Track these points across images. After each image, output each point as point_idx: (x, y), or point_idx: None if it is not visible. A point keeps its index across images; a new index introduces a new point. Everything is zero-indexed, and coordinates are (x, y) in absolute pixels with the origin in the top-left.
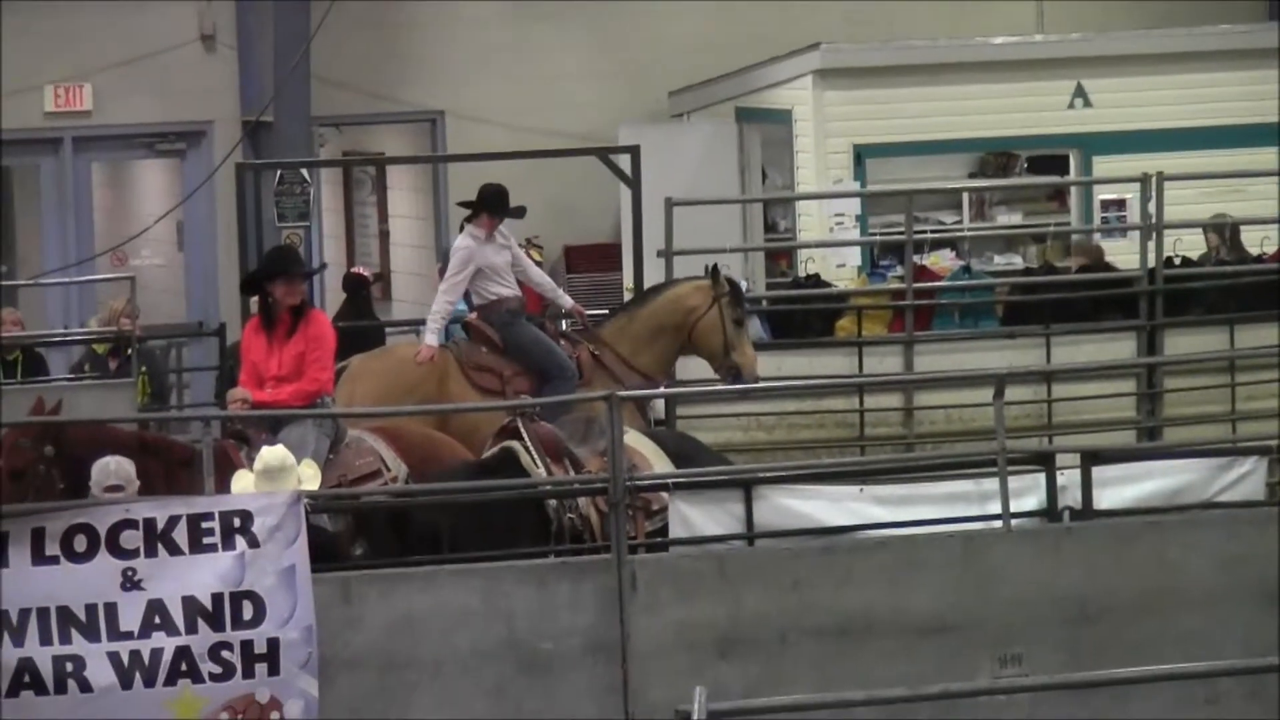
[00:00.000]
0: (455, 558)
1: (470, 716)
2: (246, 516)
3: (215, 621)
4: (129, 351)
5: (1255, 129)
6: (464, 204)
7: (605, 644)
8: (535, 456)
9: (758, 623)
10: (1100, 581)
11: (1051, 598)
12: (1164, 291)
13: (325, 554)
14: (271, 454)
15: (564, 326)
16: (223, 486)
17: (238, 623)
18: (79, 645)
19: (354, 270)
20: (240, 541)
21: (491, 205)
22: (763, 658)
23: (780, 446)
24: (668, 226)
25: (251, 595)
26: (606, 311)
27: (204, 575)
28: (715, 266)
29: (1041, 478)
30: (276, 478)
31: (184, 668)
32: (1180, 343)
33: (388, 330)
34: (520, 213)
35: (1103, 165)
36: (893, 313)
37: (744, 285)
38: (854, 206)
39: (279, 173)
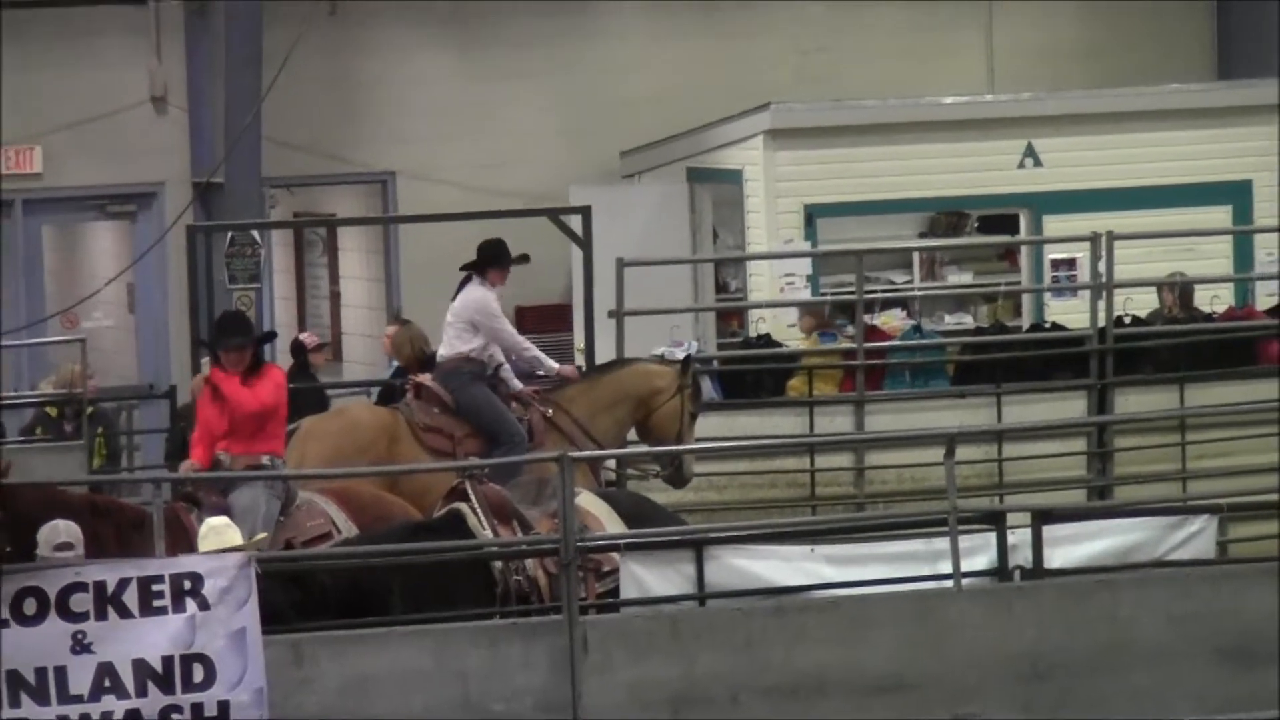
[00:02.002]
0: (407, 619)
1: None
2: (197, 579)
3: (166, 684)
4: (82, 414)
5: (1205, 188)
6: (467, 266)
7: (557, 704)
8: (483, 518)
9: (710, 683)
10: (1052, 639)
11: (1004, 656)
12: (1114, 350)
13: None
14: (209, 526)
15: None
16: (174, 549)
17: (188, 685)
18: (29, 709)
19: (297, 336)
20: (191, 604)
21: (499, 259)
22: (715, 717)
23: (732, 506)
24: (619, 287)
25: (202, 658)
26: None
27: (154, 638)
28: (689, 358)
29: (992, 537)
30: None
31: None
32: (1131, 401)
33: (338, 393)
34: (525, 259)
35: (1053, 224)
36: (844, 372)
37: (695, 346)
38: (805, 266)
39: (230, 234)
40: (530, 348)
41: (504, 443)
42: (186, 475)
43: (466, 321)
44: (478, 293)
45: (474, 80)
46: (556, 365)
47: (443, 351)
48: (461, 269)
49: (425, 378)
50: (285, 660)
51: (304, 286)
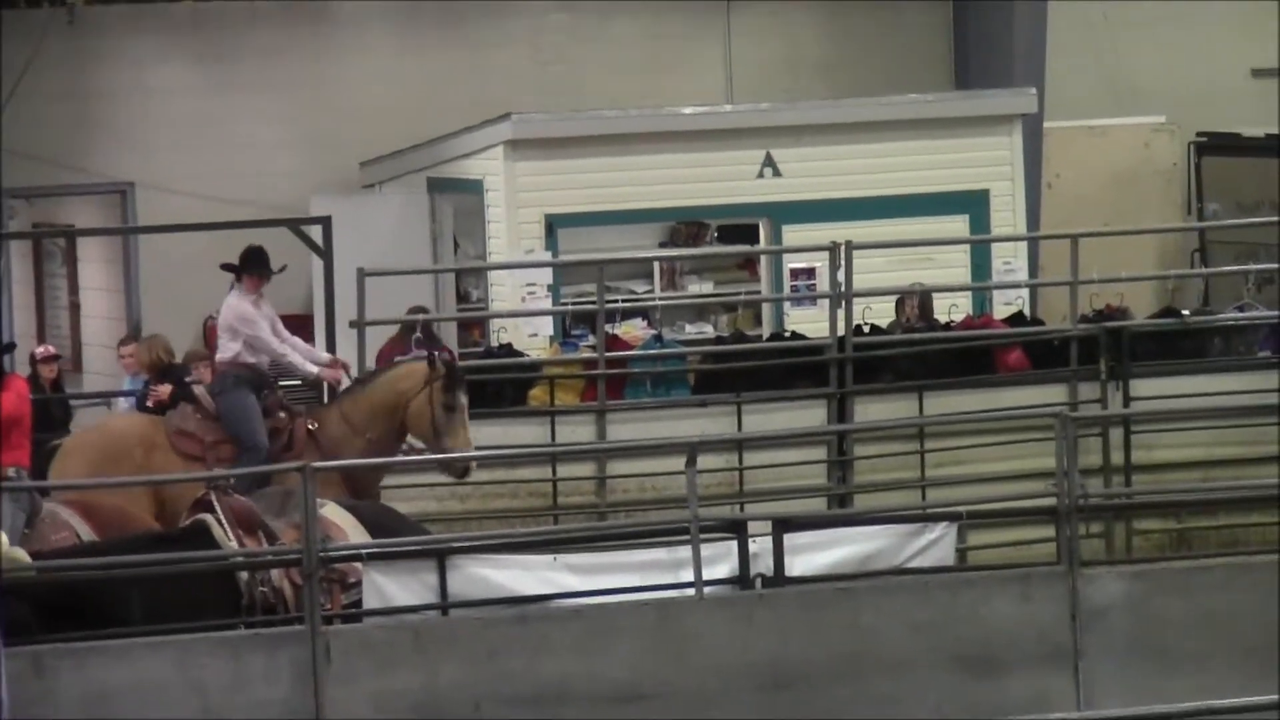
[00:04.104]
0: (148, 630)
1: None
2: None
3: None
4: None
5: (943, 197)
6: (227, 267)
7: (300, 716)
8: (228, 529)
9: (453, 692)
10: (793, 647)
11: (745, 664)
12: (853, 359)
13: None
14: None
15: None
16: None
17: None
18: None
19: (34, 351)
20: None
21: (256, 265)
22: None
23: (474, 516)
24: (360, 297)
25: None
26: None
27: None
28: (434, 354)
29: (734, 545)
30: None
31: None
32: (870, 410)
33: (78, 404)
34: (281, 269)
35: (792, 234)
36: (585, 382)
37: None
38: (546, 276)
39: None
40: (287, 353)
41: (245, 449)
42: None
43: (226, 328)
44: (233, 300)
45: (213, 90)
46: (316, 369)
47: (217, 356)
48: (221, 267)
49: (165, 388)
50: (26, 672)
51: (43, 297)
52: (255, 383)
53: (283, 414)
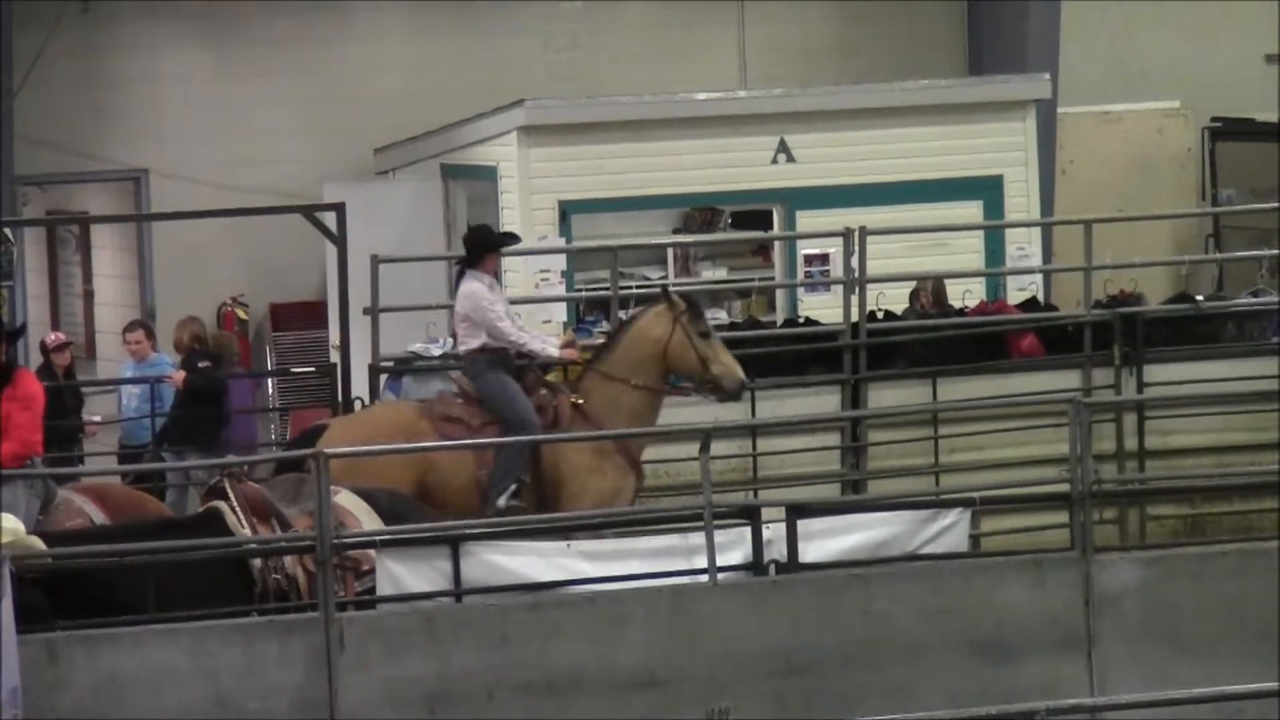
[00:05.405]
0: (162, 617)
1: None
2: None
3: None
4: None
5: (957, 183)
6: (461, 259)
7: (313, 702)
8: (241, 516)
9: (466, 679)
10: (806, 634)
11: (758, 650)
12: (867, 345)
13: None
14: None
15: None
16: None
17: None
18: None
19: (44, 339)
20: None
21: (487, 243)
22: (471, 714)
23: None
24: (374, 283)
25: None
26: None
27: None
28: (665, 288)
29: (747, 531)
30: None
31: None
32: (884, 396)
33: (91, 390)
34: (516, 238)
35: (806, 220)
36: None
37: (449, 343)
38: (559, 263)
39: None
40: (527, 340)
41: (513, 428)
42: None
43: (463, 318)
44: (468, 286)
45: (227, 78)
46: (556, 352)
47: (459, 348)
48: (457, 264)
49: (179, 375)
50: (40, 659)
51: (57, 285)
52: (507, 364)
53: (544, 391)
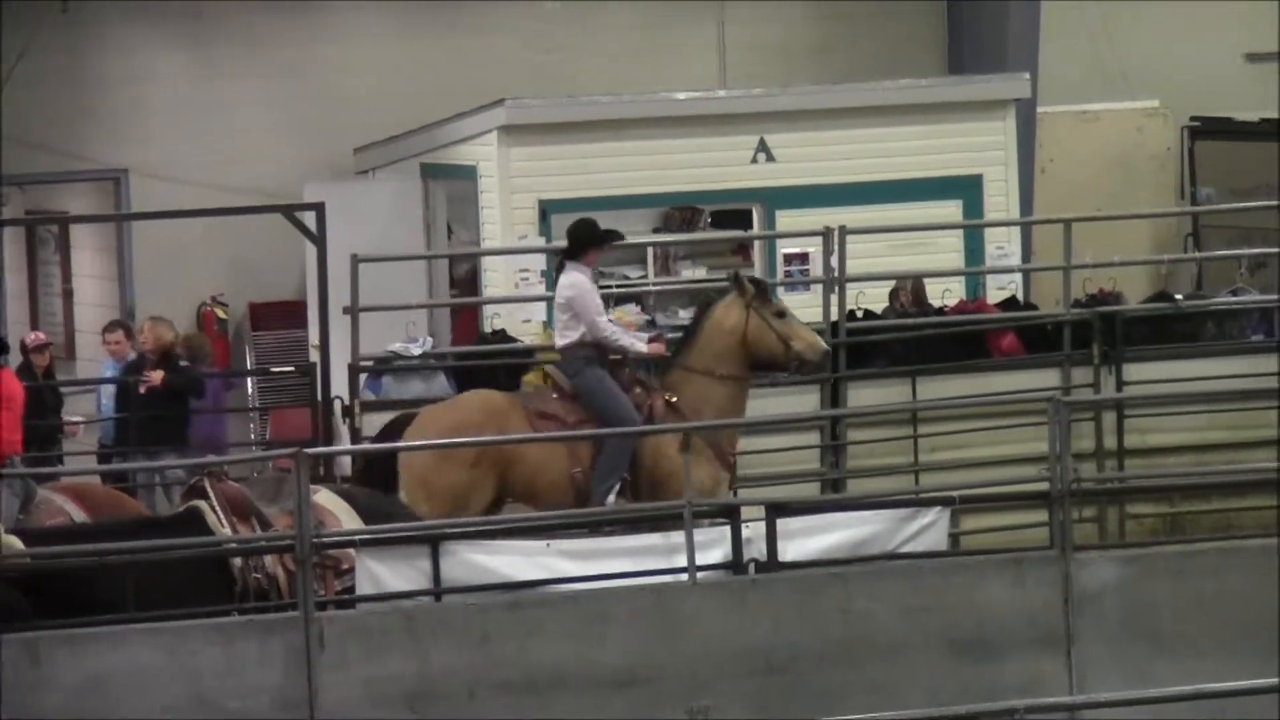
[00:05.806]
0: (142, 616)
1: None
2: None
3: None
4: None
5: (936, 182)
6: (562, 251)
7: (293, 702)
8: (221, 515)
9: (446, 678)
10: (786, 632)
11: (738, 649)
12: (846, 344)
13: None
14: None
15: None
16: None
17: None
18: None
19: (24, 339)
20: None
21: (591, 237)
22: (451, 713)
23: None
24: (353, 283)
25: None
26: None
27: None
28: (736, 273)
29: (727, 530)
30: None
31: None
32: (863, 395)
33: (71, 390)
34: (620, 236)
35: (786, 219)
36: None
37: (429, 342)
38: (539, 262)
39: None
40: (620, 335)
41: (615, 426)
42: None
43: (564, 308)
44: (571, 277)
45: (207, 78)
46: (645, 348)
47: (556, 341)
48: (559, 255)
49: (158, 374)
50: (21, 659)
51: (36, 285)
52: (604, 360)
53: (638, 389)
